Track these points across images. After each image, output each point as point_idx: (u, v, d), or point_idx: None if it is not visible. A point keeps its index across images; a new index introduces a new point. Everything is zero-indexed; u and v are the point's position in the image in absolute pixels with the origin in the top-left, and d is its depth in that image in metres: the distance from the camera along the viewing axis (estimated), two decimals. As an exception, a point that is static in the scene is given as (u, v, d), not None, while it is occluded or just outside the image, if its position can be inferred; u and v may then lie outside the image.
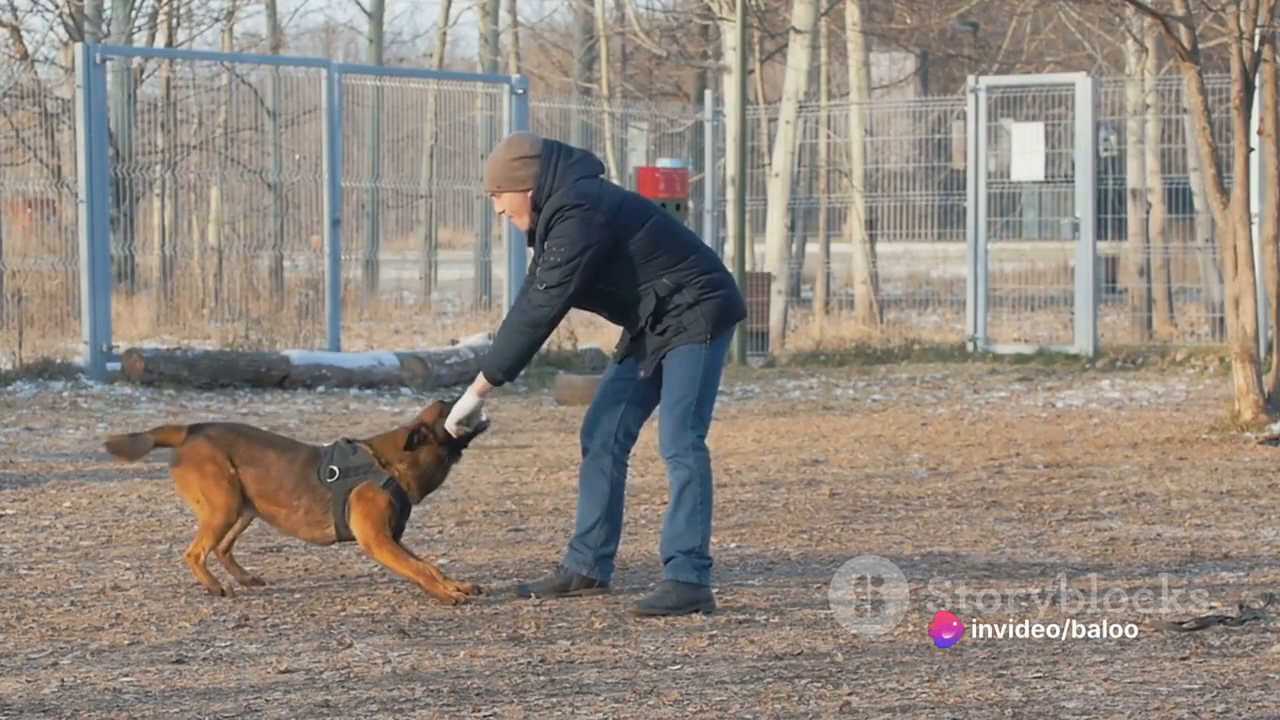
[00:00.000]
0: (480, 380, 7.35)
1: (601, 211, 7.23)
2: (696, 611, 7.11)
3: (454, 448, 7.49)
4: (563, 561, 7.55)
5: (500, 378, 7.32)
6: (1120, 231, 22.31)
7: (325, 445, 7.61)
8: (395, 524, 7.40)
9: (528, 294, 7.32)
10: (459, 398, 7.47)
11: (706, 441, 7.35)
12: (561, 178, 7.29)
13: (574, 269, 7.19)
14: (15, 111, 20.57)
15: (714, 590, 7.33)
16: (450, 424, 7.39)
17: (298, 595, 7.54)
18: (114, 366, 15.92)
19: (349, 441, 7.51)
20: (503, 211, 7.45)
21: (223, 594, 7.45)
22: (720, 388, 16.50)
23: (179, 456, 7.51)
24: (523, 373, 7.87)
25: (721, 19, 22.51)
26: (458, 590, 7.33)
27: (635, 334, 7.38)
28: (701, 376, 7.28)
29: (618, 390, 7.46)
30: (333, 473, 7.39)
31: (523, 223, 7.40)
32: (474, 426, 7.45)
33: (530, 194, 7.33)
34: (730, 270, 7.72)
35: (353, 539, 7.44)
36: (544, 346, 18.80)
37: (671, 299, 7.27)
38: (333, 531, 7.43)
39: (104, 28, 24.80)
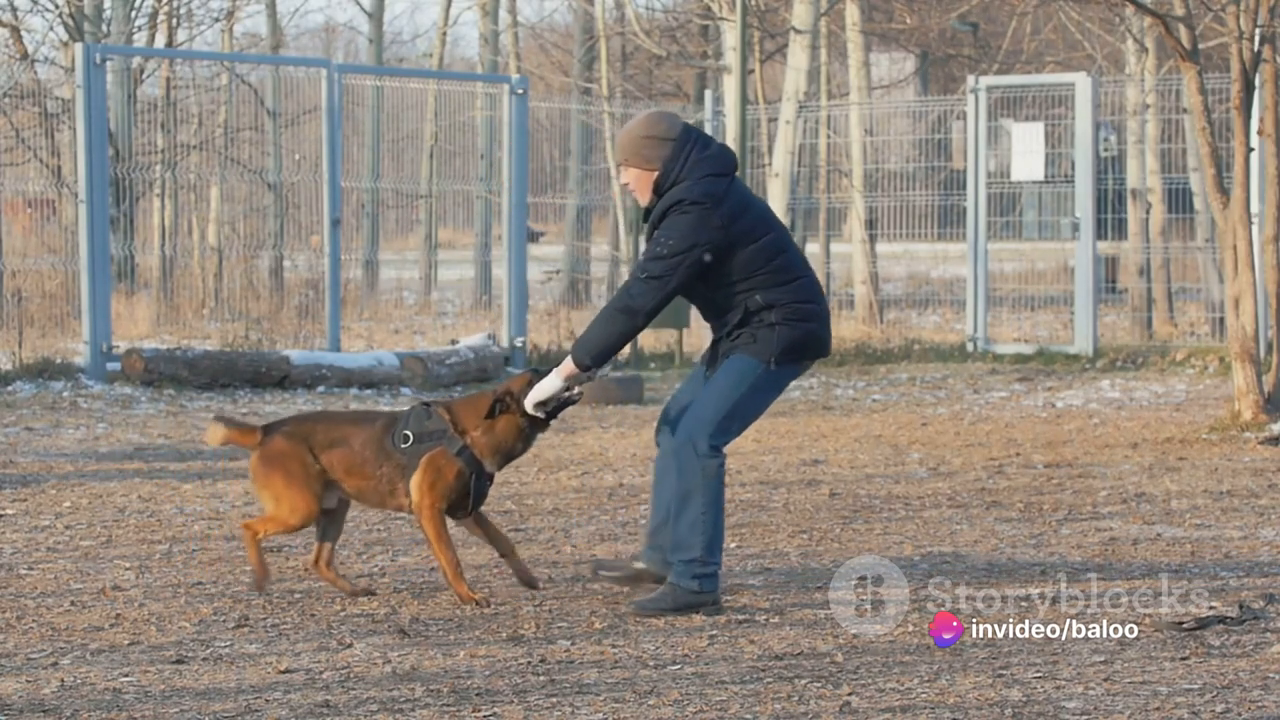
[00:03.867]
0: (567, 363, 7.19)
1: (720, 214, 7.08)
2: (696, 613, 7.10)
3: (538, 421, 7.33)
4: (639, 553, 7.50)
5: (588, 363, 7.16)
6: (1120, 231, 22.30)
7: (401, 411, 7.49)
8: (476, 492, 7.26)
9: (629, 281, 7.20)
10: (551, 370, 7.29)
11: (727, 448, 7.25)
12: (690, 169, 7.15)
13: (678, 264, 7.05)
14: (15, 111, 20.57)
15: (721, 593, 7.27)
16: (529, 404, 7.23)
17: (298, 595, 7.54)
18: (114, 366, 15.92)
19: (425, 405, 7.38)
20: (626, 184, 7.34)
21: (259, 583, 7.33)
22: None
23: (260, 455, 7.33)
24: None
25: (721, 19, 22.51)
26: (471, 596, 7.30)
27: (717, 338, 7.30)
28: (744, 392, 7.15)
29: (693, 392, 7.36)
30: (406, 438, 7.26)
31: (644, 200, 7.28)
32: (562, 400, 7.29)
33: (655, 176, 7.21)
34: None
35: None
36: (544, 346, 18.90)
37: (759, 315, 7.14)
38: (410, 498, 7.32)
39: (104, 28, 24.80)
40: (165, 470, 11.36)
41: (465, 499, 7.29)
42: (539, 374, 7.31)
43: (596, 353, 7.15)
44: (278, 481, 7.30)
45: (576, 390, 7.30)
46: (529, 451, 7.49)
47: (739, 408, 7.17)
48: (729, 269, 7.12)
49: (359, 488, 7.35)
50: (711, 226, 7.06)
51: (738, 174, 7.33)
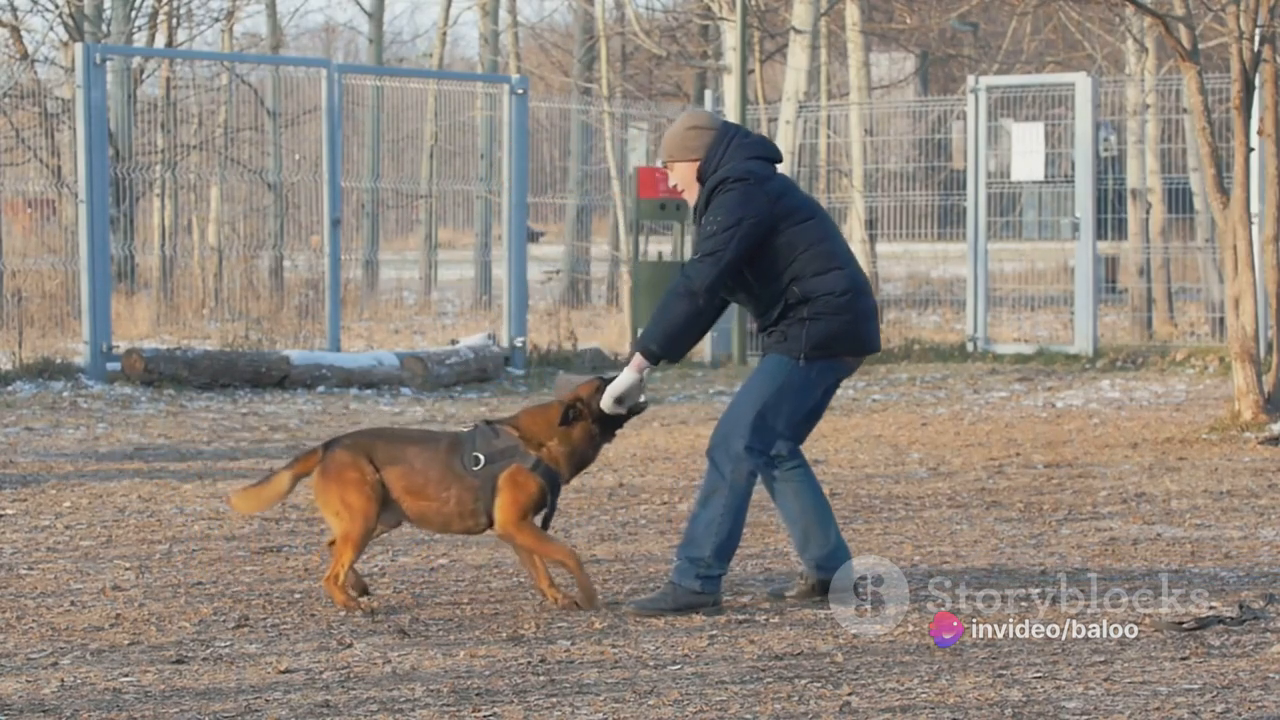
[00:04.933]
0: (637, 357, 7.09)
1: (765, 190, 7.05)
2: (696, 613, 7.09)
3: (607, 426, 7.24)
4: (803, 571, 7.43)
5: (655, 351, 7.07)
6: (1120, 231, 22.30)
7: (464, 431, 7.35)
8: (548, 505, 7.15)
9: (685, 266, 7.13)
10: (617, 375, 7.19)
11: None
12: (732, 154, 7.13)
13: (730, 238, 6.99)
14: (15, 111, 20.57)
15: (722, 594, 7.23)
16: (606, 403, 7.11)
17: (298, 595, 7.54)
18: (114, 366, 15.92)
19: (489, 424, 7.25)
20: (675, 185, 7.30)
21: (364, 613, 7.12)
22: (720, 388, 16.39)
23: (320, 470, 7.16)
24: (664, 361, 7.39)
25: (721, 19, 22.51)
26: (590, 586, 7.21)
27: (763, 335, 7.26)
28: (774, 391, 7.09)
29: None
30: (477, 459, 7.11)
31: (691, 195, 7.24)
32: (630, 407, 7.18)
33: (699, 164, 7.19)
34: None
35: None
36: (544, 346, 18.90)
37: (795, 309, 7.09)
38: (485, 520, 7.15)
39: (104, 28, 24.80)
40: (165, 470, 11.36)
41: (549, 514, 7.19)
42: (606, 380, 7.22)
43: (661, 340, 7.07)
44: (334, 494, 7.11)
45: (643, 398, 7.23)
46: (596, 457, 7.38)
47: (771, 408, 7.11)
48: (774, 249, 7.05)
49: (420, 510, 7.18)
50: (757, 200, 7.03)
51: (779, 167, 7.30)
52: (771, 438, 7.15)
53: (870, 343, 7.28)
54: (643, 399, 7.24)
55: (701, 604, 7.11)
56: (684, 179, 7.27)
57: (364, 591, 7.41)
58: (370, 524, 7.13)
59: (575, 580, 7.21)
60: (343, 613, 7.16)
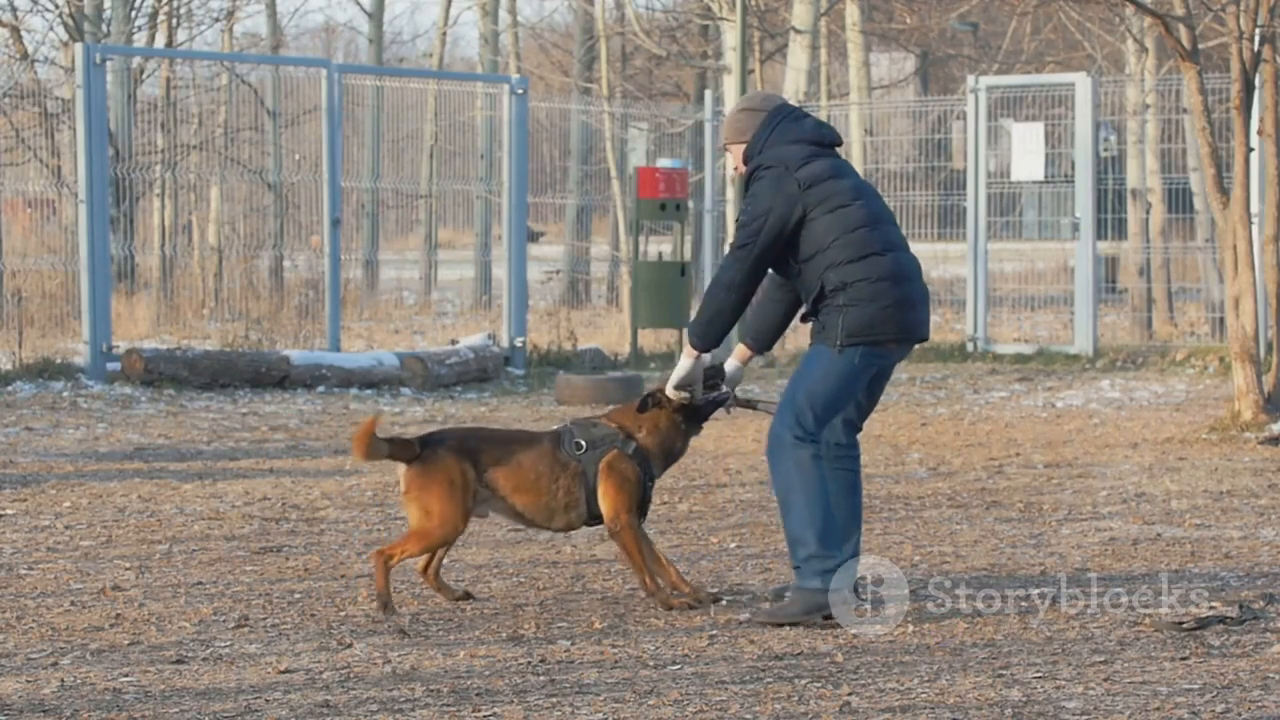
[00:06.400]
0: (687, 345, 7.19)
1: (795, 177, 7.00)
2: (825, 612, 6.93)
3: (692, 418, 7.28)
4: None
5: (696, 342, 7.12)
6: (1120, 231, 22.31)
7: (558, 429, 7.34)
8: (642, 498, 7.20)
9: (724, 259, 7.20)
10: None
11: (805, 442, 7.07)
12: (776, 137, 7.11)
13: (758, 230, 6.98)
14: (15, 111, 20.58)
15: (843, 589, 7.04)
16: (668, 389, 7.17)
17: (298, 595, 7.54)
18: (114, 366, 15.91)
19: (584, 419, 7.31)
20: (736, 168, 7.31)
21: (385, 606, 7.03)
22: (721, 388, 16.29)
23: (421, 468, 7.07)
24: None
25: (721, 19, 22.52)
26: (673, 603, 7.19)
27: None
28: (817, 380, 7.04)
29: None
30: (579, 445, 7.14)
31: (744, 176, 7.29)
32: (705, 397, 7.21)
33: (746, 146, 7.19)
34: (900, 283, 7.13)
35: (599, 520, 7.20)
36: (544, 346, 18.90)
37: (831, 296, 7.01)
38: (585, 510, 7.16)
39: (104, 28, 24.81)
40: (165, 470, 11.36)
41: (645, 504, 7.23)
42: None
43: (700, 331, 7.12)
44: (434, 494, 7.05)
45: (724, 390, 7.26)
46: (685, 450, 7.39)
47: (815, 396, 7.06)
48: (807, 236, 7.00)
49: (527, 504, 7.17)
50: (787, 189, 6.98)
51: (838, 150, 7.25)
52: (819, 424, 7.12)
53: (915, 329, 7.16)
54: (724, 389, 7.28)
55: (823, 602, 6.95)
56: (736, 159, 7.30)
57: (466, 596, 7.37)
58: (452, 536, 7.16)
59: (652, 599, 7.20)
60: (342, 612, 7.16)
